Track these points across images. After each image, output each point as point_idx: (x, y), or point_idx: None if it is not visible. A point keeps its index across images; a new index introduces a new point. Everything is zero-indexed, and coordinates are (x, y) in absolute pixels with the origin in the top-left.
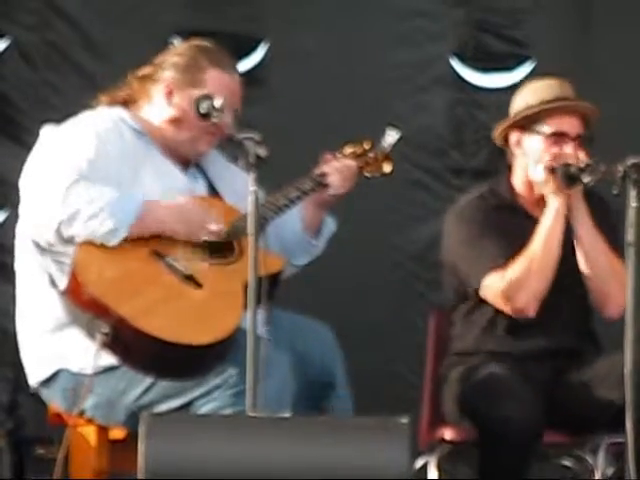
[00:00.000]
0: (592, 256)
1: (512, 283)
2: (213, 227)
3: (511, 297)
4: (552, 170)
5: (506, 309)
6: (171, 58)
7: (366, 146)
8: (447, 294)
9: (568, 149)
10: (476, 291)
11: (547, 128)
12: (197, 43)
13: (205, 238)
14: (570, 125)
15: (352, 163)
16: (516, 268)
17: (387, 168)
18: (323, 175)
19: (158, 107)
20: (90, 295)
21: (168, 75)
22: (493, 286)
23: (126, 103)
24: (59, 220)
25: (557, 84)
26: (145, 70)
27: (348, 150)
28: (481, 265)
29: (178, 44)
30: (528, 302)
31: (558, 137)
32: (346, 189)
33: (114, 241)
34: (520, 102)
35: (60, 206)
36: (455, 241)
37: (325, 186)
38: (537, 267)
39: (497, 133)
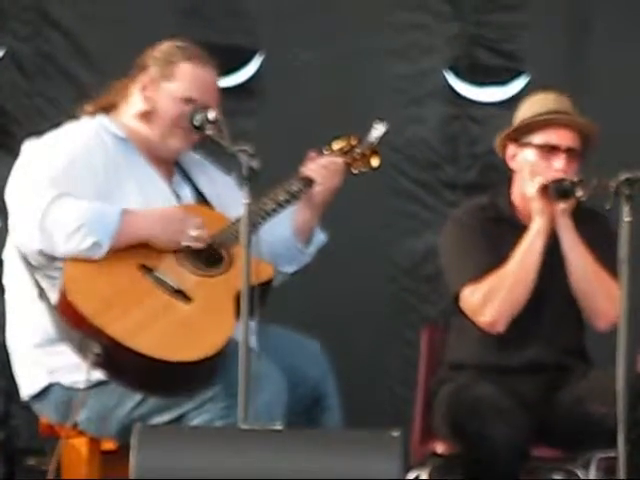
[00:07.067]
0: (579, 272)
1: (482, 296)
2: (193, 232)
3: (480, 311)
4: (544, 188)
5: (477, 322)
6: (150, 56)
7: (353, 141)
8: (445, 302)
9: (558, 163)
10: (455, 299)
11: (537, 139)
12: (176, 42)
13: (186, 243)
14: (560, 137)
15: (338, 159)
16: (488, 282)
17: (375, 162)
18: (309, 173)
19: (132, 104)
20: (80, 315)
21: (145, 72)
22: (467, 297)
23: (108, 109)
24: (39, 248)
25: (554, 98)
26: (129, 73)
27: (335, 146)
28: (464, 273)
29: (159, 44)
30: (495, 317)
31: (549, 150)
32: (334, 185)
33: (97, 256)
34: (517, 115)
35: (39, 233)
36: (447, 246)
37: (312, 184)
38: (509, 284)
39: (497, 146)
